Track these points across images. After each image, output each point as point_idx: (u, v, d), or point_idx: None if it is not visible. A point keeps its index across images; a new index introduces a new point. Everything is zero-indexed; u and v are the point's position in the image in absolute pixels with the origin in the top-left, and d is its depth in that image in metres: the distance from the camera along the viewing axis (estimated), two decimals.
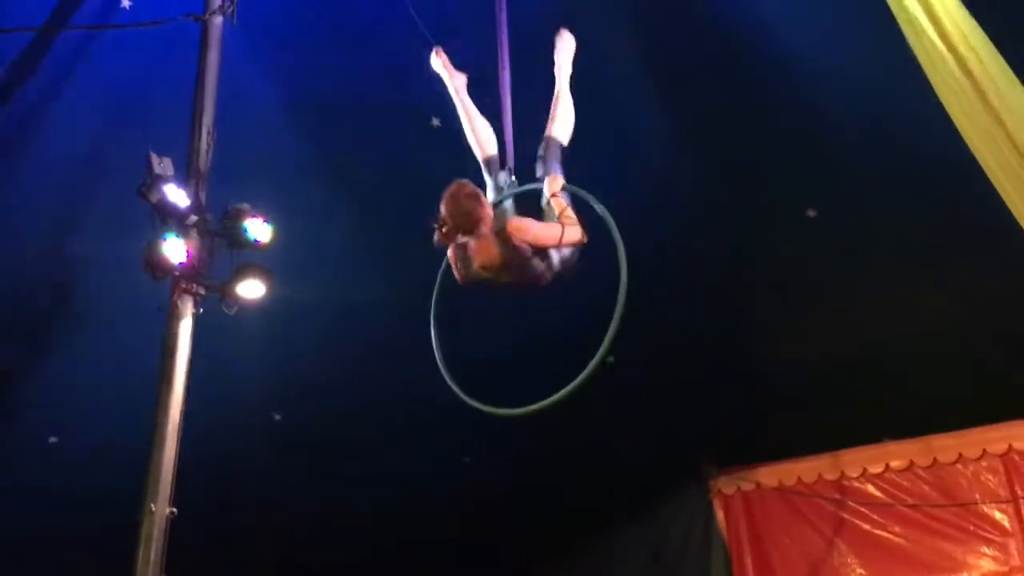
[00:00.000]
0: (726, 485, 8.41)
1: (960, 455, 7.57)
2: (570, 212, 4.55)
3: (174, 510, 5.20)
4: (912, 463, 7.72)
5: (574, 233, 4.50)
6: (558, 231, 4.48)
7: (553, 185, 4.64)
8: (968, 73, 4.18)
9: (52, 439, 8.01)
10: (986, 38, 4.28)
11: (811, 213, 7.07)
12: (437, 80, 5.50)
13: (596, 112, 6.83)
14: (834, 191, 6.95)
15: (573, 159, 6.74)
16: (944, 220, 6.76)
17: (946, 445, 7.63)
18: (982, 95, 4.17)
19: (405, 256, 7.40)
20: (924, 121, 5.71)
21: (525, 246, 4.42)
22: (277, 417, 8.33)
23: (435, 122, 7.02)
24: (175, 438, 5.35)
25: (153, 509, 5.12)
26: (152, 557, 5.02)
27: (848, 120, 6.50)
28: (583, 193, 4.54)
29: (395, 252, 7.40)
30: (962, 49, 4.18)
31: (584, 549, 9.05)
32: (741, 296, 7.57)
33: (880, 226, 6.99)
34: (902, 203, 6.78)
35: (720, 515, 8.40)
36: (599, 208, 4.40)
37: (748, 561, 8.16)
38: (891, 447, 7.82)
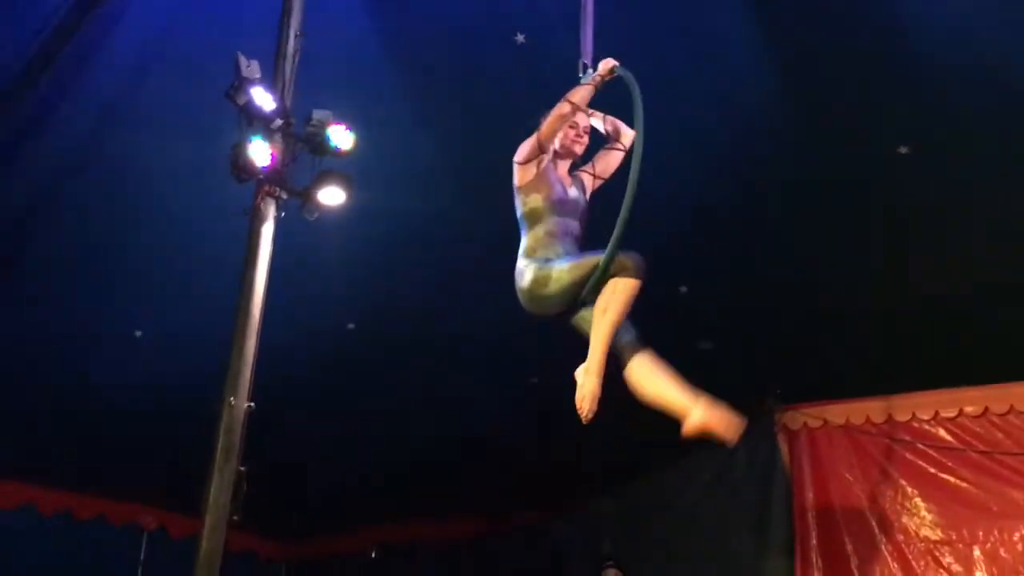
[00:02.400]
0: (792, 420, 8.34)
1: None
2: (582, 89, 4.10)
3: (252, 404, 5.41)
4: (987, 409, 7.53)
5: (554, 112, 4.06)
6: (535, 134, 4.09)
7: (602, 67, 4.14)
8: None
9: (137, 333, 8.33)
10: None
11: (903, 150, 6.85)
12: None
13: (683, 32, 6.71)
14: (928, 129, 6.71)
15: (660, 79, 6.64)
16: None
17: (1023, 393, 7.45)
18: None
19: (484, 172, 7.43)
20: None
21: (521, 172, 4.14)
22: (351, 326, 8.50)
23: (520, 38, 6.95)
24: (255, 336, 5.53)
25: (232, 402, 5.33)
26: (230, 447, 5.25)
27: (947, 55, 6.23)
28: (623, 72, 4.01)
29: (474, 167, 7.40)
30: None
31: (643, 476, 9.14)
32: (824, 231, 7.41)
33: (974, 167, 6.74)
34: (999, 143, 6.52)
35: (784, 449, 8.35)
36: (626, 76, 3.95)
37: (809, 495, 8.10)
38: (966, 392, 7.62)
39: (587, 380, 3.85)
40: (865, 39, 6.29)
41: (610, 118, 4.37)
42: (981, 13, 5.89)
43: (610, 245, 3.71)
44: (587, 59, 4.31)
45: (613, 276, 3.77)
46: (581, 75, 4.24)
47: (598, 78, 4.11)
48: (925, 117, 6.58)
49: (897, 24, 6.13)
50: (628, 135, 4.32)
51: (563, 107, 4.08)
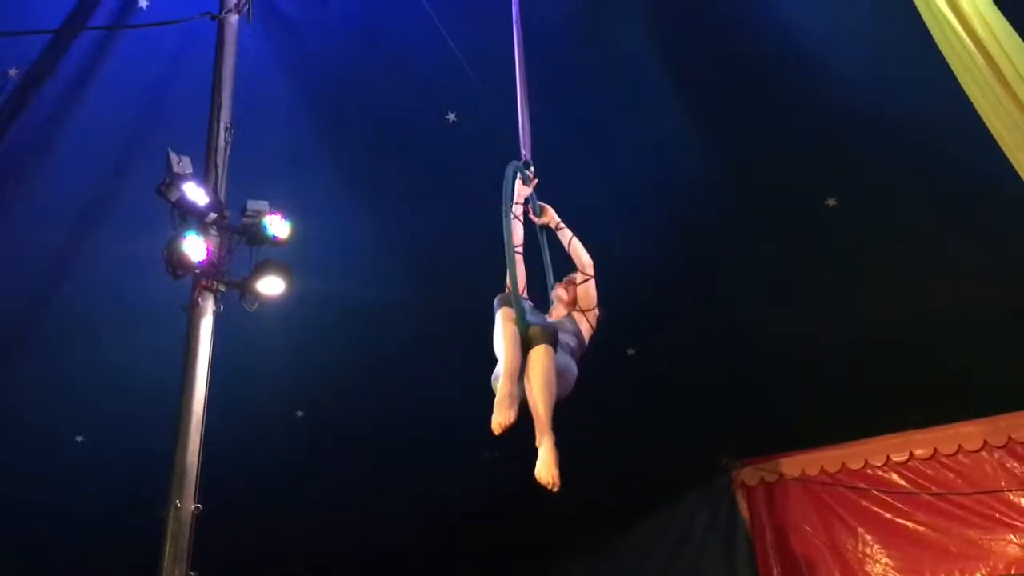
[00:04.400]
0: (749, 476, 8.37)
1: (985, 442, 7.48)
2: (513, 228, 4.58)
3: (199, 506, 5.26)
4: (936, 451, 7.64)
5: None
6: None
7: (517, 195, 4.69)
8: (987, 56, 4.15)
9: (78, 438, 8.07)
10: (1003, 19, 4.26)
11: (830, 203, 7.04)
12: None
13: (614, 101, 6.87)
14: (853, 182, 6.92)
15: (590, 149, 6.78)
16: (961, 208, 6.73)
17: (971, 432, 7.55)
18: (1001, 77, 4.14)
19: (421, 250, 7.46)
20: (942, 114, 5.71)
21: None
22: (300, 413, 8.36)
23: (451, 117, 7.05)
24: (199, 435, 5.40)
25: (179, 505, 5.17)
26: (179, 552, 5.08)
27: (867, 112, 6.46)
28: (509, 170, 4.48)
29: (411, 247, 7.42)
30: (981, 32, 4.16)
31: (608, 541, 9.06)
32: (762, 286, 7.53)
33: (898, 216, 6.94)
34: (919, 193, 6.74)
35: (743, 506, 8.37)
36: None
37: (771, 552, 8.11)
38: (915, 435, 7.75)
39: (540, 452, 3.92)
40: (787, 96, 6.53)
41: (573, 244, 4.75)
42: (890, 69, 6.15)
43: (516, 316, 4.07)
44: (527, 155, 4.71)
45: (529, 347, 4.05)
46: (524, 169, 4.65)
47: (518, 209, 4.60)
48: (849, 170, 6.80)
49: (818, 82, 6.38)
50: (589, 264, 4.72)
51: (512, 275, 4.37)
